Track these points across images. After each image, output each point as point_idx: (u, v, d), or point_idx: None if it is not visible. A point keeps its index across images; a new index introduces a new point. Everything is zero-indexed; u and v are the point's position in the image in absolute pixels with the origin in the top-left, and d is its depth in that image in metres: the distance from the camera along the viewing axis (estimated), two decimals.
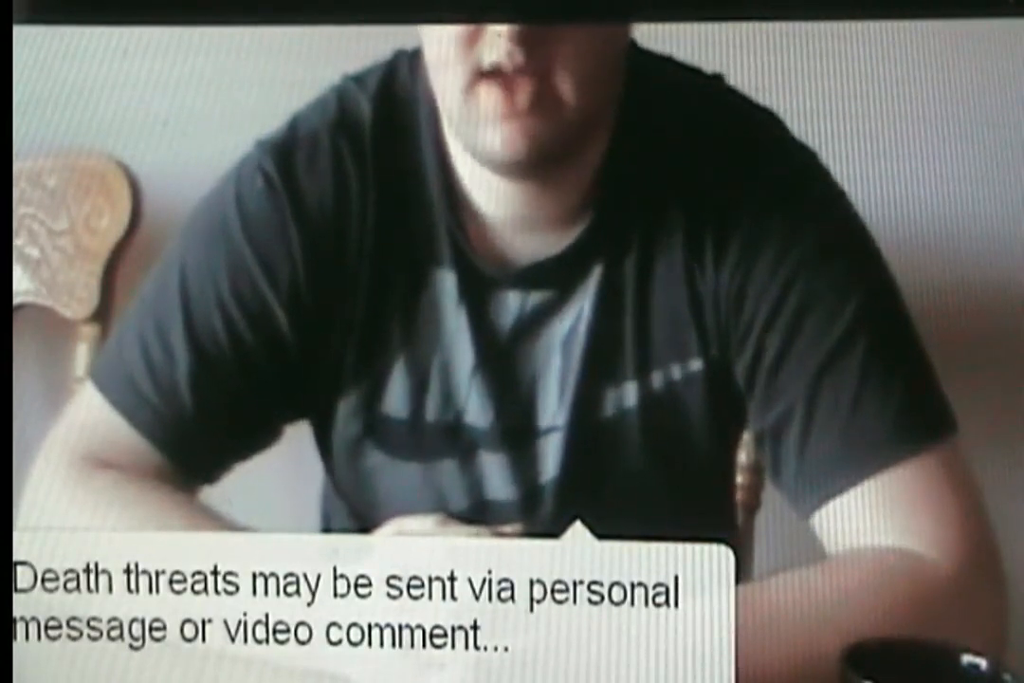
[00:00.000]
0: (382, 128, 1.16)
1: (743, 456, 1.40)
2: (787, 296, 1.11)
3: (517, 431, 1.17)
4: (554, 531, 1.14)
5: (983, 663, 0.93)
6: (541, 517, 1.17)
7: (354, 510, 1.22)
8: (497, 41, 1.02)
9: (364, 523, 1.17)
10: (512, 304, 1.16)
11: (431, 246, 1.16)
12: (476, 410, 1.16)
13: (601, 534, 1.16)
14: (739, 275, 1.12)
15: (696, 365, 1.15)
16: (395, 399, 1.16)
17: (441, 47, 1.05)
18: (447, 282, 1.16)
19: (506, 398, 1.16)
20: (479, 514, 1.17)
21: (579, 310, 1.15)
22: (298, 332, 1.15)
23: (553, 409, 1.16)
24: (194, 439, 1.14)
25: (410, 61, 1.17)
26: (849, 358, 1.09)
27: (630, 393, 1.15)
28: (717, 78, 1.16)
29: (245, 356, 1.14)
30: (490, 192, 1.13)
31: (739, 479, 1.44)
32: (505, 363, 1.16)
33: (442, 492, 1.18)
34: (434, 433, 1.17)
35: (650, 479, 1.17)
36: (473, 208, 1.15)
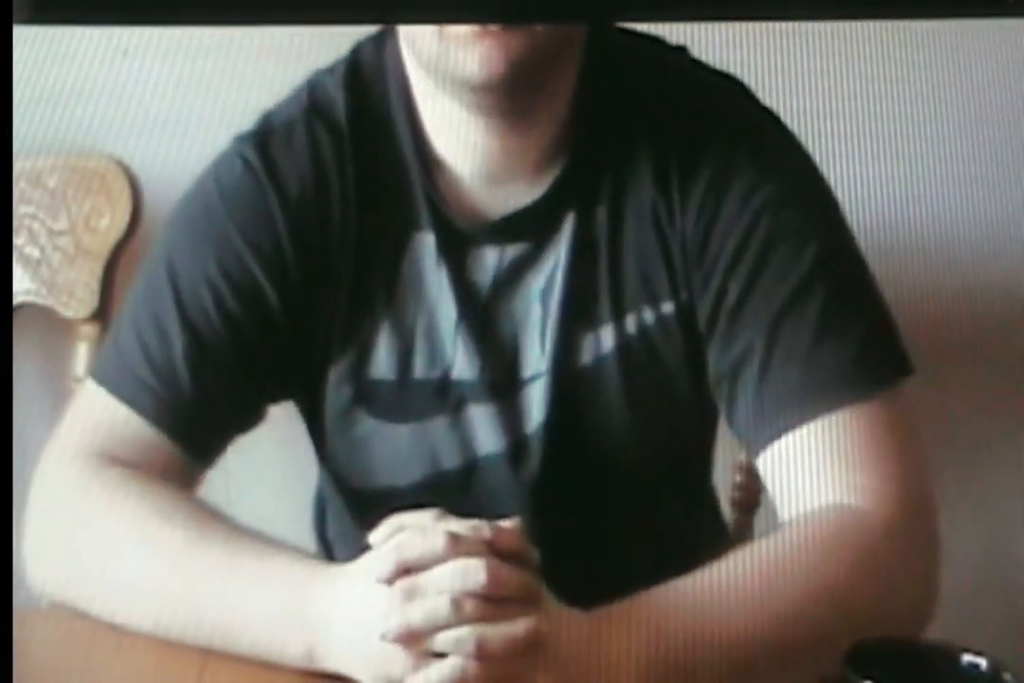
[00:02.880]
0: (354, 107, 1.18)
1: (743, 455, 1.41)
2: (748, 240, 1.13)
3: (503, 382, 1.18)
4: (544, 480, 1.15)
5: (983, 662, 0.93)
6: (530, 467, 1.18)
7: (348, 489, 1.23)
8: None
9: (358, 516, 1.18)
10: (490, 259, 1.18)
11: (409, 211, 1.18)
12: (462, 365, 1.18)
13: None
14: (703, 220, 1.14)
15: (668, 308, 1.17)
16: (382, 362, 1.18)
17: None
18: (426, 243, 1.18)
19: (490, 351, 1.18)
20: (471, 472, 1.19)
21: (555, 260, 1.17)
22: (287, 305, 1.16)
23: (536, 358, 1.18)
24: (194, 418, 1.15)
25: (375, 40, 1.20)
26: (808, 301, 1.11)
27: (607, 339, 1.17)
28: (681, 49, 1.18)
29: (237, 332, 1.15)
30: (463, 144, 1.15)
31: (737, 478, 1.45)
32: (487, 317, 1.18)
33: (434, 451, 1.19)
34: (423, 392, 1.19)
35: (633, 424, 1.18)
36: (445, 168, 1.17)
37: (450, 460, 1.19)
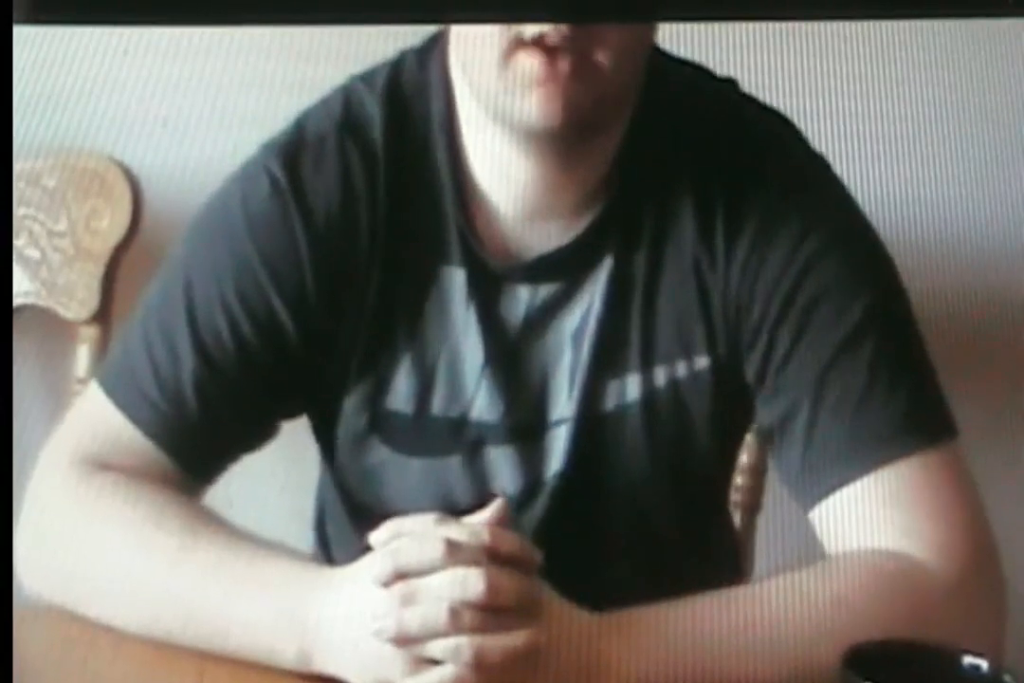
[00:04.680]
0: (390, 126, 1.16)
1: (744, 457, 1.41)
2: (798, 291, 1.11)
3: (526, 425, 1.16)
4: (556, 525, 1.15)
5: (984, 664, 0.92)
6: (537, 511, 1.17)
7: (355, 508, 1.22)
8: None
9: (363, 522, 1.17)
10: (522, 298, 1.16)
11: (439, 243, 1.15)
12: (485, 405, 1.16)
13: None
14: (749, 272, 1.12)
15: (702, 362, 1.15)
16: (400, 394, 1.16)
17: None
18: (456, 279, 1.15)
19: (516, 392, 1.16)
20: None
21: (589, 303, 1.15)
22: (303, 334, 1.14)
23: (563, 403, 1.16)
24: (197, 440, 1.14)
25: (419, 55, 1.18)
26: (858, 354, 1.10)
27: (633, 387, 1.15)
28: (730, 81, 1.17)
29: (249, 357, 1.14)
30: (506, 178, 1.13)
31: (740, 480, 1.45)
32: (515, 357, 1.16)
33: (447, 488, 1.17)
34: (439, 428, 1.17)
35: (650, 474, 1.17)
36: (483, 201, 1.15)
37: (463, 498, 1.16)
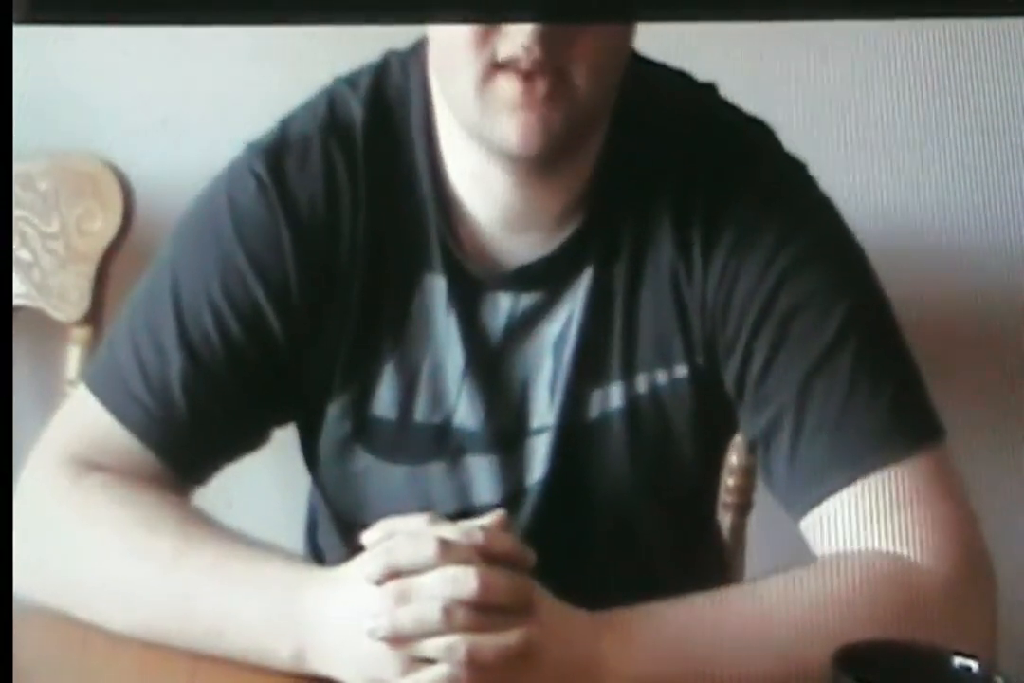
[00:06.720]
0: (373, 130, 1.16)
1: (734, 457, 1.41)
2: (774, 302, 1.11)
3: (507, 433, 1.17)
4: (538, 534, 1.15)
5: (975, 665, 0.92)
6: (522, 519, 1.17)
7: (339, 515, 1.23)
8: (513, 34, 1.02)
9: (347, 529, 1.18)
10: (503, 306, 1.16)
11: (421, 250, 1.15)
12: (466, 412, 1.16)
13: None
14: (726, 281, 1.12)
15: (681, 371, 1.15)
16: (384, 400, 1.17)
17: (455, 38, 1.05)
18: (437, 286, 1.15)
19: (496, 400, 1.16)
20: (466, 518, 1.17)
21: (570, 312, 1.15)
22: (289, 334, 1.15)
23: (543, 411, 1.16)
24: (185, 440, 1.14)
25: (402, 60, 1.18)
26: (838, 362, 1.09)
27: (615, 396, 1.15)
28: (709, 87, 1.17)
29: (237, 357, 1.14)
30: (485, 191, 1.13)
31: (731, 480, 1.45)
32: (496, 365, 1.16)
33: (429, 495, 1.17)
34: (422, 435, 1.17)
35: (634, 482, 1.17)
36: (464, 210, 1.15)
37: (445, 505, 1.16)
